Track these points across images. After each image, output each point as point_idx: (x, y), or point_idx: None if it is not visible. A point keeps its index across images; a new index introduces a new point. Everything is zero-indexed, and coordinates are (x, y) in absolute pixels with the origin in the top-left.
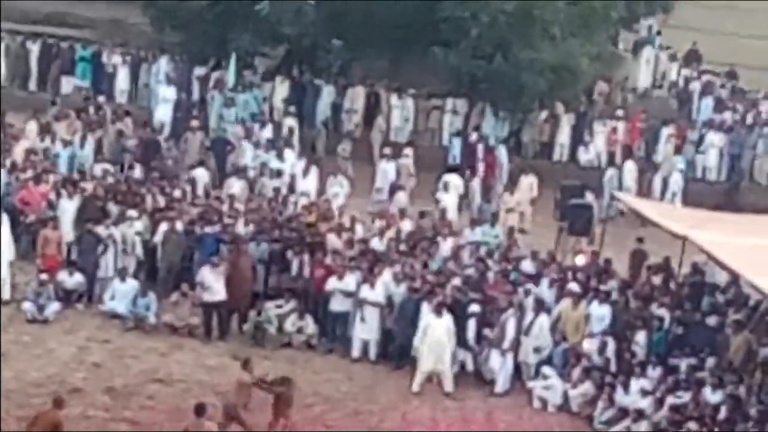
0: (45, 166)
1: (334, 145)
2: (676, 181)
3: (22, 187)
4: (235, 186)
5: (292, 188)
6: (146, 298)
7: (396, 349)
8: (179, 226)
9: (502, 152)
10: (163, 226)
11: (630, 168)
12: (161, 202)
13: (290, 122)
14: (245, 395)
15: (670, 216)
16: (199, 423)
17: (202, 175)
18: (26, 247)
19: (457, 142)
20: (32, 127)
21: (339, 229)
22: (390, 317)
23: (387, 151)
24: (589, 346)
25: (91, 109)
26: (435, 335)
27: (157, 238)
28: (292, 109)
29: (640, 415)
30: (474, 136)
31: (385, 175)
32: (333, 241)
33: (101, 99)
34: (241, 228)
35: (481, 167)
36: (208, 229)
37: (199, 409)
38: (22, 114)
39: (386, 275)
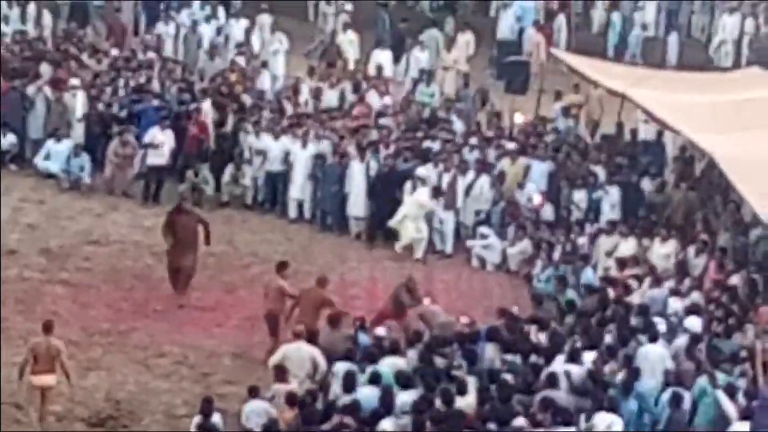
0: None
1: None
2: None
3: None
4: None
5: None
6: (80, 158)
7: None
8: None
9: None
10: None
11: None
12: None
13: None
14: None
15: (609, 73)
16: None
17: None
18: None
19: None
20: None
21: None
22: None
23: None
24: (535, 201)
25: None
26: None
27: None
28: None
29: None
30: None
31: None
32: (246, 100)
33: None
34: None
35: None
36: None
37: (281, 267)
38: None
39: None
